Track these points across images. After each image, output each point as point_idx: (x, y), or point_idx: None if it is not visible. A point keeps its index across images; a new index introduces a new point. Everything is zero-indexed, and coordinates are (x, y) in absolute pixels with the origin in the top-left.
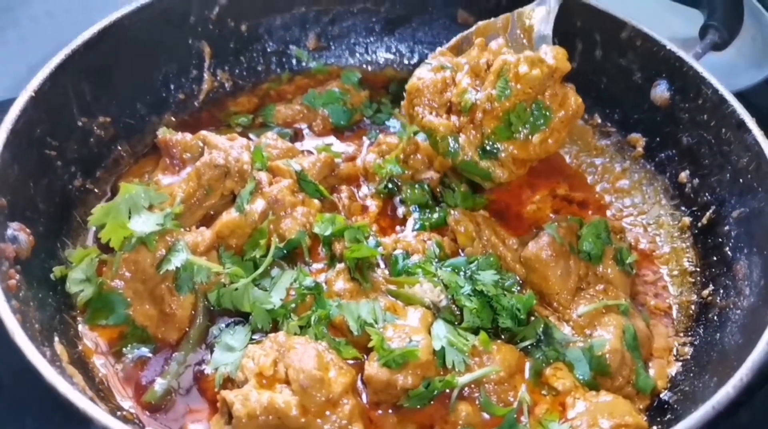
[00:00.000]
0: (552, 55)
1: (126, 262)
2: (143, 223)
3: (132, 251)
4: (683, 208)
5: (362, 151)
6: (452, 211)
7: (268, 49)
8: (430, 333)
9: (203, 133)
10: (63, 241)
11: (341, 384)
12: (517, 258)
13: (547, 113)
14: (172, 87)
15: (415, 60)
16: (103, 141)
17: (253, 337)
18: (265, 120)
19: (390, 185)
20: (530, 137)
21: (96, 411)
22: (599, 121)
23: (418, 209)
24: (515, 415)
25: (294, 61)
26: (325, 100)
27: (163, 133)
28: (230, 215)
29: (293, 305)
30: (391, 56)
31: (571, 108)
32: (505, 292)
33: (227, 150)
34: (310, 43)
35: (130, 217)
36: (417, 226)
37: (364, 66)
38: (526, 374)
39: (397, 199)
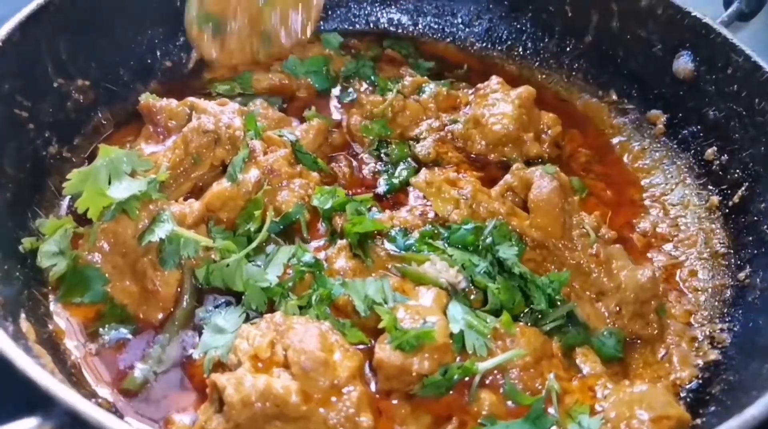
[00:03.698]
0: None
1: (104, 233)
2: (124, 190)
3: (111, 220)
4: (710, 187)
5: (339, 113)
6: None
7: None
8: (445, 314)
9: (191, 98)
10: (34, 211)
11: (347, 368)
12: (511, 210)
13: None
14: (158, 53)
15: (397, 21)
16: (81, 106)
17: (247, 319)
18: (242, 88)
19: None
20: None
21: (62, 390)
22: (615, 97)
23: (384, 168)
24: (543, 405)
25: None
26: (307, 68)
27: (146, 99)
28: (221, 185)
29: (291, 283)
30: (373, 18)
31: None
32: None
33: (217, 115)
34: None
35: (110, 184)
36: (386, 188)
37: (345, 26)
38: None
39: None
